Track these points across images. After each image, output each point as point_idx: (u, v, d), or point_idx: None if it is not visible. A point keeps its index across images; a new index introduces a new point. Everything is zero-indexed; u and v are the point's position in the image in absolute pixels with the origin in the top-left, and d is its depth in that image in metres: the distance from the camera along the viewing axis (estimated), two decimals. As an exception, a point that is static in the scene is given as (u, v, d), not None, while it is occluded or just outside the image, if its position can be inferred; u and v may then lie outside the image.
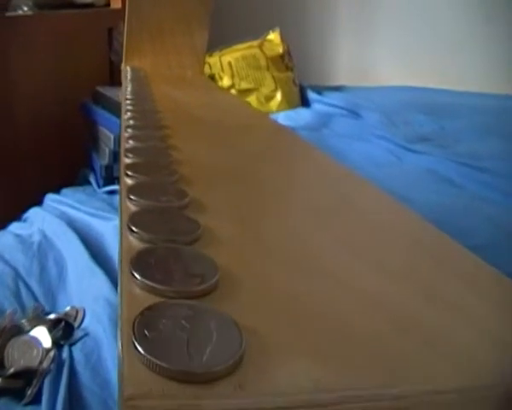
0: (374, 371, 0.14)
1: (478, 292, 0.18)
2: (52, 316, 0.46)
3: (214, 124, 0.43)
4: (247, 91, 1.13)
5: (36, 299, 0.50)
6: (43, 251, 0.57)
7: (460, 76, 1.27)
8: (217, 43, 1.04)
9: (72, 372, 0.40)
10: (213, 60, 1.16)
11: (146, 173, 0.24)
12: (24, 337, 0.44)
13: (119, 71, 0.70)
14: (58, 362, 0.41)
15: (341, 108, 1.07)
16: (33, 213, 0.69)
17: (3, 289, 0.50)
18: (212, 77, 1.14)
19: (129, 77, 0.59)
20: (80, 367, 0.41)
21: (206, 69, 1.11)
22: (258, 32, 1.22)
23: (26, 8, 1.04)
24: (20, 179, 0.98)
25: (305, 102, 1.16)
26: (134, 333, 0.13)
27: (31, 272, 0.53)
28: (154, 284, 0.15)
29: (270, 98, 1.13)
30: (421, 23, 1.40)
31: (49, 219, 0.65)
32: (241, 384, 0.12)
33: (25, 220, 0.69)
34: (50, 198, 0.73)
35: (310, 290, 0.17)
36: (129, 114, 0.36)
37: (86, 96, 0.99)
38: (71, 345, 0.43)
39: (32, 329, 0.44)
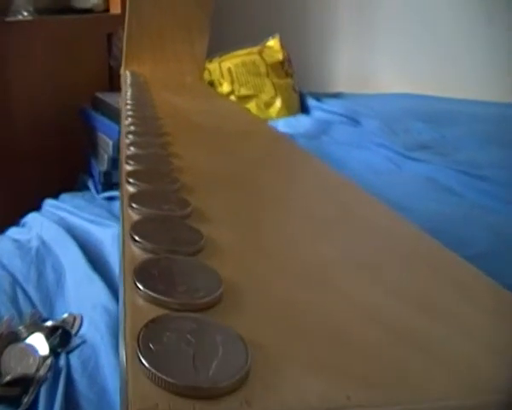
0: (378, 386, 0.14)
1: (474, 302, 0.18)
2: (49, 323, 0.46)
3: (214, 131, 0.43)
4: (247, 98, 1.13)
5: (33, 305, 0.50)
6: (41, 257, 0.57)
7: (460, 84, 1.27)
8: (217, 49, 1.04)
9: (69, 380, 0.40)
10: (213, 66, 1.16)
11: (147, 181, 0.23)
12: (21, 345, 0.43)
13: (119, 77, 0.70)
14: (55, 370, 0.41)
15: (341, 115, 1.07)
16: (31, 218, 0.69)
17: (0, 294, 0.50)
18: (211, 83, 1.14)
19: (129, 82, 0.58)
20: (77, 375, 0.41)
21: (206, 75, 1.11)
22: (258, 39, 1.22)
23: (25, 14, 1.04)
24: (18, 184, 0.98)
25: (304, 109, 1.16)
26: (139, 346, 0.13)
27: (28, 277, 0.53)
28: (157, 296, 0.14)
29: (269, 105, 1.13)
30: (421, 30, 1.40)
31: (47, 225, 0.64)
32: (248, 400, 0.12)
33: (23, 225, 0.68)
34: (49, 203, 0.73)
35: (311, 302, 0.17)
36: (129, 119, 0.36)
37: (85, 101, 0.99)
38: (68, 352, 0.43)
39: (29, 336, 0.44)
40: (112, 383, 0.39)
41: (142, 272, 0.16)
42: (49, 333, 0.44)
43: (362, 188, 0.30)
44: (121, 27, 0.89)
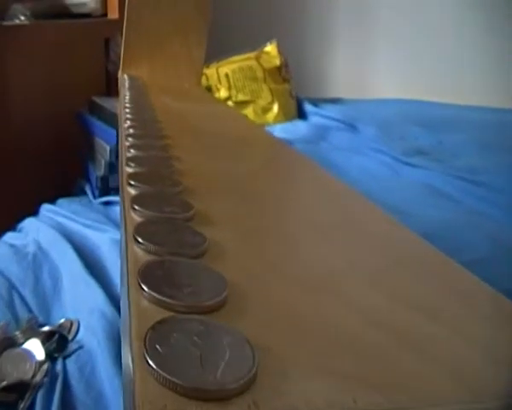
0: (383, 389, 0.14)
1: (473, 308, 0.18)
2: (46, 328, 0.46)
3: (213, 135, 0.43)
4: (244, 103, 1.13)
5: (30, 310, 0.49)
6: (37, 262, 0.57)
7: (458, 90, 1.28)
8: (214, 54, 1.04)
9: (66, 386, 0.40)
10: (210, 71, 1.16)
11: (149, 183, 0.23)
12: (17, 350, 0.43)
13: (116, 81, 0.70)
14: (51, 375, 0.40)
15: (338, 120, 1.07)
16: (28, 223, 0.68)
17: (-3, 299, 0.49)
18: (209, 88, 1.14)
19: (127, 85, 0.58)
20: (74, 381, 0.40)
21: (204, 80, 1.11)
22: (256, 44, 1.23)
23: (22, 18, 1.04)
24: (15, 189, 0.98)
25: (301, 115, 1.16)
26: (146, 348, 0.12)
27: (25, 282, 0.53)
28: (162, 298, 0.14)
29: (266, 110, 1.13)
30: (418, 36, 1.41)
31: (44, 230, 0.64)
32: (256, 402, 0.12)
33: (19, 230, 0.68)
34: (46, 208, 0.72)
35: (315, 306, 0.17)
36: (128, 122, 0.36)
37: (82, 105, 0.99)
38: (65, 358, 0.43)
39: (25, 341, 0.44)
40: (109, 388, 0.39)
41: (147, 274, 0.16)
42: (46, 338, 0.44)
43: (360, 194, 0.30)
44: (119, 32, 0.89)
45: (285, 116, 1.13)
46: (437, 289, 0.20)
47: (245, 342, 0.13)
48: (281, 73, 1.19)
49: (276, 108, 1.13)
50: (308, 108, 1.17)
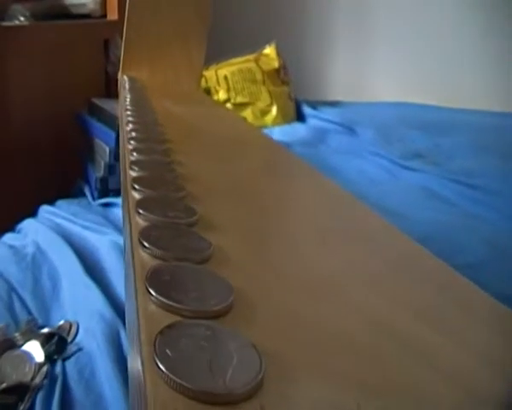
0: (386, 395, 0.14)
1: (471, 314, 0.19)
2: (45, 330, 0.46)
3: (214, 139, 0.44)
4: (243, 105, 1.13)
5: (29, 312, 0.49)
6: (36, 263, 0.57)
7: (455, 93, 1.29)
8: (213, 56, 1.05)
9: (65, 388, 0.40)
10: (209, 73, 1.16)
11: (152, 188, 0.23)
12: (16, 352, 0.43)
13: (115, 83, 0.70)
14: (51, 377, 0.40)
15: (337, 123, 1.07)
16: (27, 224, 0.68)
17: (-4, 301, 0.49)
18: (208, 90, 1.14)
19: (127, 87, 0.59)
20: (73, 383, 0.40)
21: (202, 83, 1.11)
22: (255, 47, 1.23)
23: (22, 19, 1.04)
24: (14, 190, 0.97)
25: (300, 117, 1.16)
26: (156, 351, 0.13)
27: (24, 284, 0.53)
28: (170, 302, 0.15)
29: (265, 112, 1.13)
30: (417, 40, 1.41)
31: (43, 231, 0.64)
32: (263, 407, 0.12)
33: (19, 232, 0.68)
34: (45, 210, 0.72)
35: (319, 312, 0.18)
36: (130, 125, 0.36)
37: (81, 106, 0.99)
38: (64, 360, 0.43)
39: (24, 343, 0.44)
40: (108, 390, 0.39)
41: (154, 279, 0.16)
42: (45, 340, 0.44)
43: (358, 198, 0.30)
44: (118, 33, 0.89)
45: (284, 119, 1.13)
46: (432, 294, 0.20)
47: (251, 347, 0.14)
48: (279, 76, 1.19)
49: (274, 110, 1.13)
50: (307, 110, 1.17)
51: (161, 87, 0.69)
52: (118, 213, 0.71)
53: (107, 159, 0.85)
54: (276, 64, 1.20)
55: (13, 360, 0.42)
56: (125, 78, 0.65)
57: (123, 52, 0.71)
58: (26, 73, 0.99)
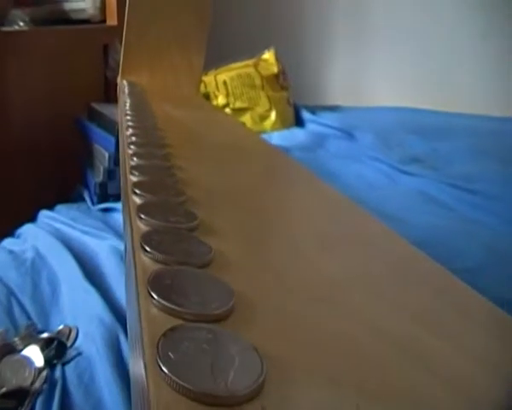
0: (385, 398, 0.14)
1: (470, 320, 0.19)
2: (45, 335, 0.46)
3: (213, 144, 0.44)
4: (242, 110, 1.14)
5: (28, 317, 0.49)
6: (36, 268, 0.57)
7: (454, 98, 1.29)
8: (213, 61, 1.05)
9: (65, 393, 0.40)
10: (208, 78, 1.16)
11: (153, 193, 0.24)
12: (16, 356, 0.43)
13: (114, 88, 0.70)
14: (50, 382, 0.40)
15: (335, 128, 1.08)
16: (27, 229, 0.68)
17: (-4, 305, 0.49)
18: (207, 95, 1.14)
19: (127, 91, 0.59)
20: (73, 387, 0.40)
21: (202, 87, 1.12)
22: (254, 52, 1.23)
23: (22, 24, 1.04)
24: (13, 194, 0.98)
25: (299, 122, 1.17)
26: (159, 354, 0.13)
27: (24, 289, 0.53)
28: (172, 306, 0.15)
29: (264, 118, 1.14)
30: (415, 45, 1.42)
31: (42, 236, 0.64)
32: (265, 408, 0.12)
33: (18, 237, 0.68)
34: (44, 215, 0.73)
35: (319, 316, 0.18)
36: (130, 130, 0.37)
37: (81, 111, 0.99)
38: (63, 364, 0.43)
39: (24, 348, 0.44)
40: (107, 395, 0.39)
41: (156, 283, 0.16)
42: (45, 345, 0.44)
43: (358, 203, 0.30)
44: (118, 39, 0.90)
45: (283, 123, 1.14)
46: (430, 297, 0.20)
47: (253, 350, 0.14)
48: (278, 81, 1.20)
49: (273, 115, 1.14)
50: (306, 115, 1.17)
51: (161, 92, 0.69)
52: (117, 218, 0.71)
53: (106, 164, 0.85)
54: (275, 69, 1.20)
55: (12, 365, 0.42)
56: (125, 82, 0.66)
57: (122, 57, 0.71)
58: (25, 77, 0.99)
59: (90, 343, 0.44)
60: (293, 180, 0.37)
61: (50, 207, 0.76)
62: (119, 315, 0.47)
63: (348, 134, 1.06)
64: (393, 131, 1.06)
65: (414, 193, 0.79)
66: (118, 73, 0.72)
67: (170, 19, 0.72)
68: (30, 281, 0.54)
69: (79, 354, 0.44)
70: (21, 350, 0.43)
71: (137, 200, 0.23)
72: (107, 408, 0.38)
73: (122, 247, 0.58)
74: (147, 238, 0.19)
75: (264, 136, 0.96)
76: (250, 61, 1.20)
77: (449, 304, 0.20)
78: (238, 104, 1.14)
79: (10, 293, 0.52)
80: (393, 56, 1.46)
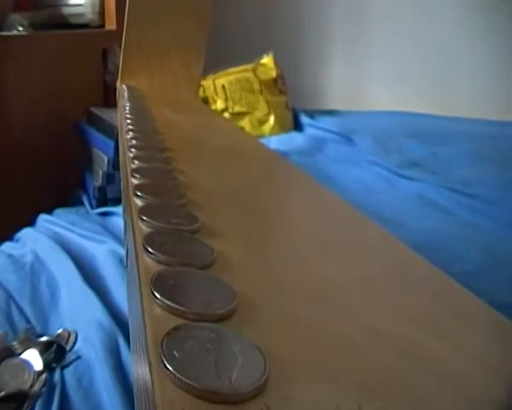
0: (386, 398, 0.14)
1: (468, 323, 0.19)
2: (44, 338, 0.46)
3: (212, 148, 0.44)
4: (241, 115, 1.14)
5: (28, 320, 0.49)
6: (35, 272, 0.57)
7: (452, 102, 1.29)
8: (211, 66, 1.05)
9: (64, 396, 0.40)
10: (207, 83, 1.17)
11: (154, 195, 0.24)
12: (15, 360, 0.43)
13: (113, 92, 0.71)
14: (49, 385, 0.40)
15: (334, 132, 1.08)
16: (26, 233, 0.68)
17: (-5, 309, 0.49)
18: (205, 100, 1.14)
19: (126, 95, 0.59)
20: (72, 391, 0.40)
21: (200, 92, 1.12)
22: (253, 56, 1.24)
23: (21, 28, 1.04)
24: (12, 198, 0.98)
25: (297, 126, 1.17)
26: (163, 353, 0.13)
27: (23, 293, 0.53)
28: (175, 306, 0.15)
29: (263, 122, 1.14)
30: (414, 49, 1.42)
31: (41, 240, 0.64)
32: (268, 406, 0.12)
33: (17, 241, 0.68)
34: (43, 218, 0.73)
35: (320, 317, 0.18)
36: (130, 133, 0.37)
37: (80, 115, 0.99)
38: (62, 368, 0.43)
39: (23, 351, 0.44)
40: (107, 398, 0.39)
41: (159, 283, 0.16)
42: (44, 348, 0.44)
43: (357, 207, 0.30)
44: (117, 43, 0.90)
45: (281, 128, 1.14)
46: (428, 300, 0.20)
47: (255, 349, 0.14)
48: (277, 85, 1.20)
49: (272, 119, 1.14)
50: (304, 119, 1.18)
51: (160, 96, 0.69)
52: (116, 222, 0.71)
53: (105, 168, 0.85)
54: (273, 74, 1.20)
55: (12, 369, 0.42)
56: (124, 86, 0.66)
57: (122, 61, 0.71)
58: (24, 82, 0.99)
59: (89, 347, 0.44)
60: (291, 184, 0.37)
61: (49, 211, 0.76)
62: (117, 319, 0.47)
63: (347, 138, 1.06)
64: (392, 135, 1.06)
65: (413, 197, 0.79)
66: (117, 78, 0.72)
67: (169, 23, 0.72)
68: (29, 285, 0.54)
69: (78, 357, 0.43)
70: (20, 354, 0.43)
71: (139, 202, 0.23)
72: (105, 412, 0.38)
73: (121, 251, 0.58)
74: (149, 240, 0.19)
75: (263, 140, 0.96)
76: (249, 66, 1.21)
77: (447, 307, 0.20)
78: (237, 108, 1.14)
79: (9, 297, 0.52)
80: (392, 61, 1.47)
